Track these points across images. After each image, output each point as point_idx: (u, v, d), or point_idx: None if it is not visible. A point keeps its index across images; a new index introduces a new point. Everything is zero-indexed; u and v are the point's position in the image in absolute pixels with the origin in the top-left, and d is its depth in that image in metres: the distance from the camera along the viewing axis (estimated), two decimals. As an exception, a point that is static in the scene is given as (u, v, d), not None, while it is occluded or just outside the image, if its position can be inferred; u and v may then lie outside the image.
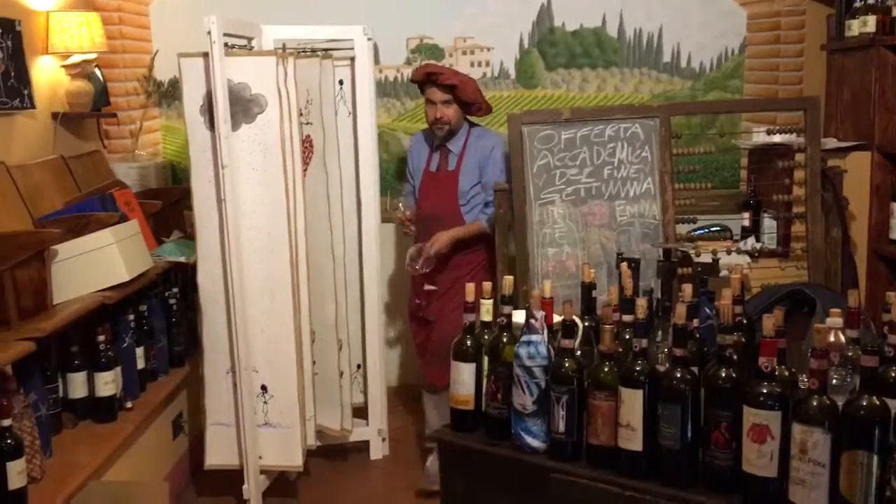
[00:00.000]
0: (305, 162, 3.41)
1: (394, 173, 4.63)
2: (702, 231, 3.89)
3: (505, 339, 2.10)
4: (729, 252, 3.53)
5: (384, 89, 4.61)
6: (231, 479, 3.33)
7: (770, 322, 1.76)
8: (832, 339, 1.80)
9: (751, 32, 4.61)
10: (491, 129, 3.98)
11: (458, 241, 3.58)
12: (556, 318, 2.11)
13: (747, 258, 3.56)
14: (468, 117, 3.70)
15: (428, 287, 3.66)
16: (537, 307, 2.05)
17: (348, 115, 3.79)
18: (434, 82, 3.55)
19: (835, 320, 1.86)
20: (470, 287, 2.18)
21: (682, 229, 3.53)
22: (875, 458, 1.64)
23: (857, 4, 3.96)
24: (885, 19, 3.81)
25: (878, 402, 1.65)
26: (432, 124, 3.61)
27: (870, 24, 3.85)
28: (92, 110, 4.12)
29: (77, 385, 3.08)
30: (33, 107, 3.64)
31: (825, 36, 4.40)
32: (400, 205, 3.88)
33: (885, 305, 1.84)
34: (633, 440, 1.89)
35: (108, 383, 3.11)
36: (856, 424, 1.65)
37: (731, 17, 4.59)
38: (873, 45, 3.82)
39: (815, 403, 1.69)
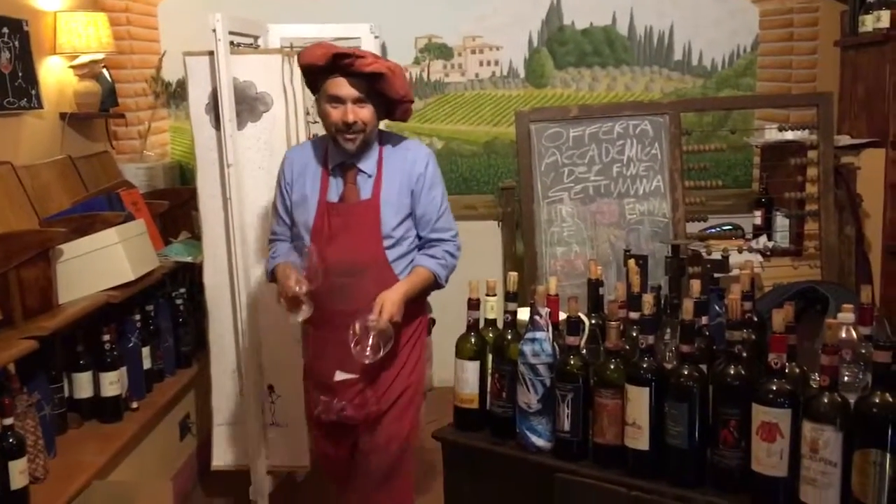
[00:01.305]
0: (312, 161, 3.39)
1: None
2: (713, 230, 3.86)
3: (509, 337, 2.07)
4: (740, 251, 3.49)
5: (393, 89, 4.57)
6: (240, 480, 3.31)
7: (780, 317, 1.72)
8: (844, 334, 1.76)
9: (763, 30, 4.55)
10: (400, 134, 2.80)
11: (408, 300, 2.49)
12: (563, 316, 2.08)
13: (759, 257, 3.52)
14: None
15: (341, 376, 2.54)
16: (542, 304, 2.01)
17: (355, 114, 3.76)
18: (345, 70, 2.41)
19: (846, 315, 1.82)
20: (474, 283, 2.15)
21: (693, 228, 3.49)
22: (888, 456, 1.59)
23: (871, 0, 3.90)
24: (900, 15, 3.76)
25: (891, 400, 1.60)
26: (338, 133, 2.46)
27: (884, 19, 3.80)
28: (100, 111, 4.12)
29: (82, 385, 3.07)
30: (41, 107, 3.64)
31: (839, 32, 4.35)
32: (290, 272, 2.47)
33: (899, 301, 1.80)
34: (639, 439, 1.86)
35: (113, 383, 3.10)
36: (868, 422, 1.61)
37: (743, 14, 4.54)
38: (887, 40, 3.77)
39: (825, 401, 1.64)
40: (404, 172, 2.55)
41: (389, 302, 2.41)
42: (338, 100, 2.44)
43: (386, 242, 2.52)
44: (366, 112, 2.45)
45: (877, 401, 1.61)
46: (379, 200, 2.52)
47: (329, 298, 2.51)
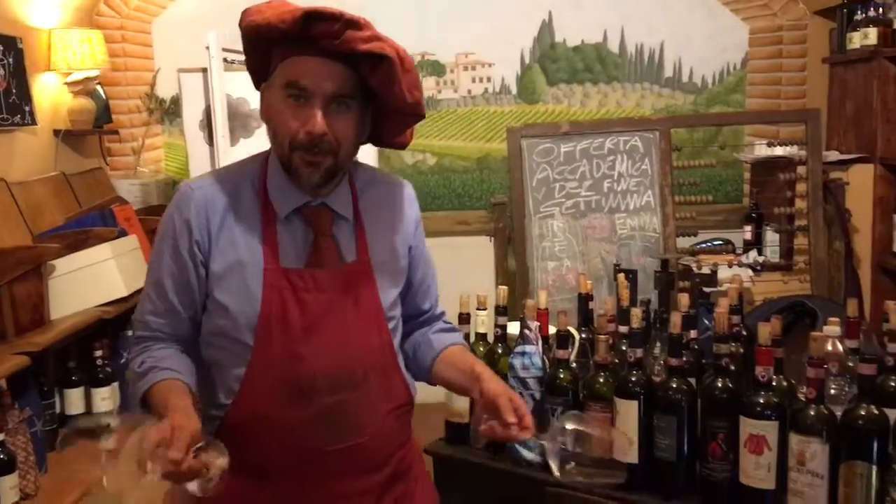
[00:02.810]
0: (305, 177, 3.40)
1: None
2: (704, 245, 3.88)
3: (500, 351, 2.08)
4: (731, 265, 3.51)
5: (386, 105, 4.60)
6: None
7: (766, 330, 1.73)
8: (830, 347, 1.77)
9: (753, 47, 4.60)
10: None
11: None
12: (553, 330, 2.09)
13: (749, 271, 3.54)
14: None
15: None
16: (532, 318, 2.03)
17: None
18: (321, 46, 1.41)
19: (832, 329, 1.84)
20: (465, 297, 2.16)
21: (684, 243, 3.51)
22: (874, 468, 1.61)
23: (859, 17, 3.95)
24: (886, 32, 3.80)
25: (876, 412, 1.62)
26: (294, 151, 1.45)
27: (871, 36, 3.84)
28: (94, 127, 4.13)
29: (74, 401, 3.07)
30: (35, 123, 3.65)
31: (827, 49, 4.40)
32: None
33: (885, 315, 1.81)
34: (628, 452, 1.86)
35: (105, 399, 3.10)
36: (854, 435, 1.62)
37: (733, 31, 4.58)
38: (875, 57, 3.81)
39: (812, 413, 1.66)
40: (398, 218, 1.61)
41: (505, 388, 1.52)
42: (303, 93, 1.43)
43: (389, 324, 1.58)
44: (346, 121, 1.46)
45: (862, 413, 1.62)
46: (370, 261, 1.55)
47: (309, 434, 1.48)
